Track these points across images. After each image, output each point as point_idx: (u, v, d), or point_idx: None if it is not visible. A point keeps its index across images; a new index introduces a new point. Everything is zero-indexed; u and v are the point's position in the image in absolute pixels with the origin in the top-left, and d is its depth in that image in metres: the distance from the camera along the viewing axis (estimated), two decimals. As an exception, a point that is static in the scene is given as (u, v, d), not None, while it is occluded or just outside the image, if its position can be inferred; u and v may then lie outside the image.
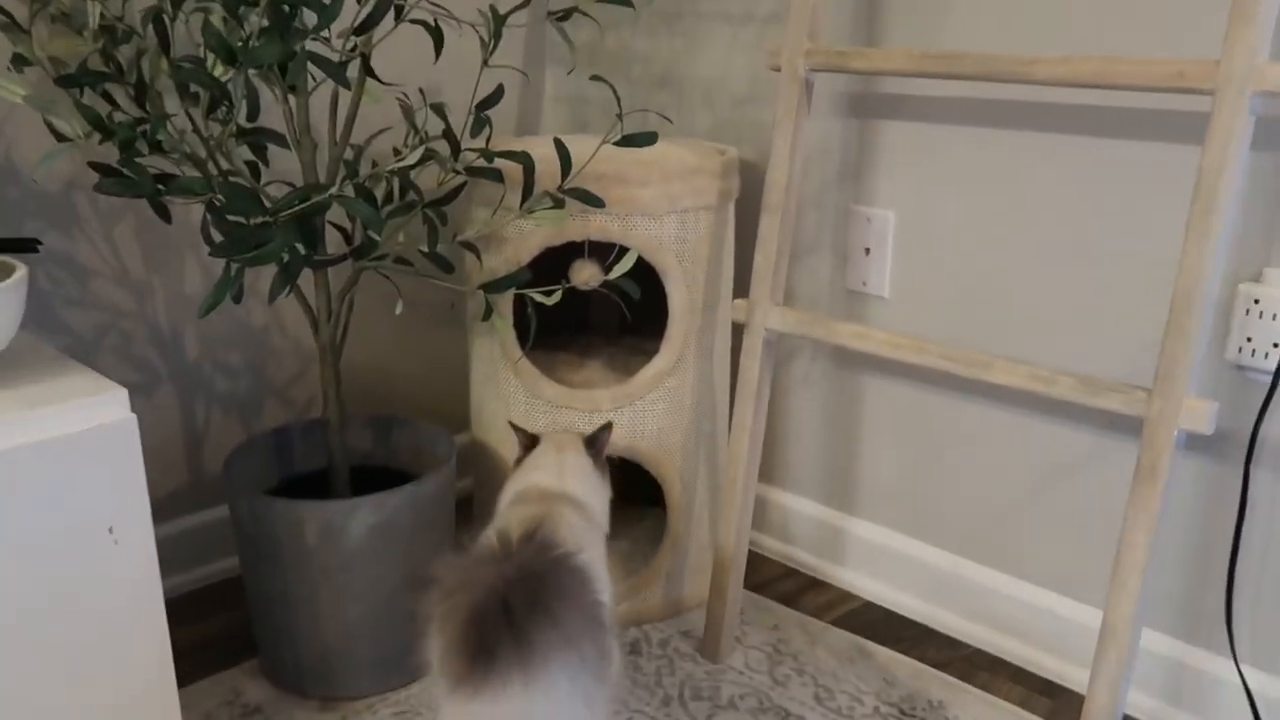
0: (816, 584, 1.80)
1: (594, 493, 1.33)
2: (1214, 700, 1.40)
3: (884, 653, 1.60)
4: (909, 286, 1.62)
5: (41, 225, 1.52)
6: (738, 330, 1.69)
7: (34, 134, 1.48)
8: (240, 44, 1.13)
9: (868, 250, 1.65)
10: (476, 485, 1.76)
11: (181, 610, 1.68)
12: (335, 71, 1.17)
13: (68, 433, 1.06)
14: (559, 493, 1.28)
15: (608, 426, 1.39)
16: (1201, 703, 1.41)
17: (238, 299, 1.27)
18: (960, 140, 1.51)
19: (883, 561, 1.74)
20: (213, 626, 1.65)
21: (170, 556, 1.73)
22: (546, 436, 1.38)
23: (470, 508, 1.81)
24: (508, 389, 1.59)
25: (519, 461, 1.38)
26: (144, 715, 1.18)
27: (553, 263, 1.53)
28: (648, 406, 1.58)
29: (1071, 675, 1.53)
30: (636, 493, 1.75)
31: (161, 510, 1.73)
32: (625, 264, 1.42)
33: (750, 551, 1.86)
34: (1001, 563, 1.60)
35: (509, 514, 1.26)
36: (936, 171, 1.55)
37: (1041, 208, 1.46)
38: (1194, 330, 1.13)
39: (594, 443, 1.38)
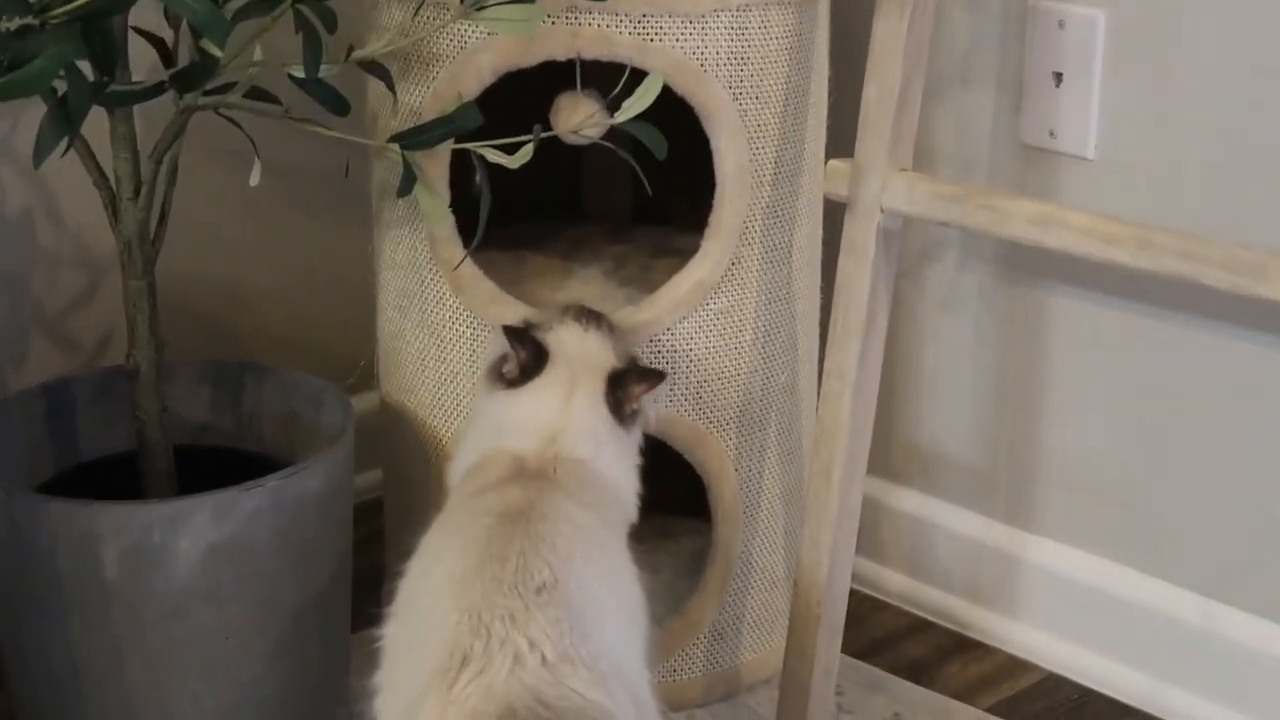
0: (968, 646, 1.81)
1: (615, 459, 1.41)
2: None
3: (1081, 760, 1.62)
4: (1128, 141, 1.62)
5: None
6: (835, 216, 1.69)
7: None
8: None
9: (1059, 77, 1.65)
10: (387, 481, 1.77)
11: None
12: None
13: None
14: (554, 458, 1.36)
15: (656, 375, 1.46)
16: None
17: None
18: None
19: (1080, 609, 1.75)
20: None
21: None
22: (557, 355, 1.43)
23: (378, 518, 1.82)
24: (440, 315, 1.60)
25: (508, 383, 1.43)
26: None
27: (519, 103, 1.52)
28: (681, 343, 1.58)
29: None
30: (664, 492, 1.75)
31: None
32: (644, 97, 1.41)
33: (854, 593, 1.86)
34: (1282, 609, 1.61)
35: (463, 523, 1.31)
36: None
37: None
38: None
39: (620, 383, 1.42)
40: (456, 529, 1.32)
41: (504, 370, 1.45)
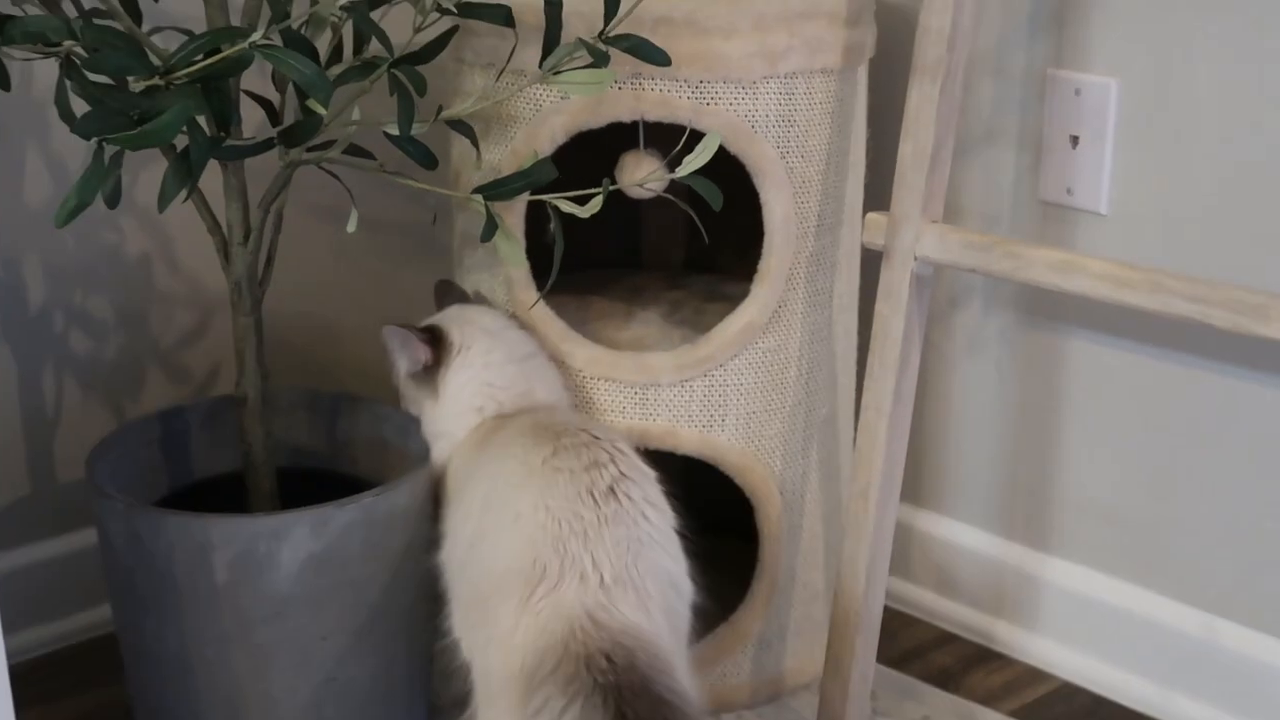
0: (990, 657, 1.80)
1: (554, 376, 1.58)
2: None
3: (1095, 761, 1.60)
4: (1139, 197, 1.61)
5: None
6: (871, 264, 1.69)
7: None
8: None
9: (1075, 140, 1.64)
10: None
11: (26, 685, 1.71)
12: None
13: None
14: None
15: (442, 284, 1.67)
16: None
17: (112, 202, 1.28)
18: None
19: (1093, 623, 1.74)
20: (70, 708, 1.68)
21: (9, 606, 1.76)
22: (451, 327, 1.56)
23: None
24: (517, 350, 1.60)
25: (434, 374, 1.55)
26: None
27: (588, 159, 1.53)
28: (731, 379, 1.58)
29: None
30: (714, 514, 1.75)
31: (-7, 534, 1.76)
32: (701, 155, 1.41)
33: (888, 607, 1.86)
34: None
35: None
36: (1189, 15, 1.54)
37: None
38: None
39: (475, 300, 1.63)
40: (512, 448, 1.41)
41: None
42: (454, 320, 1.57)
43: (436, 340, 1.55)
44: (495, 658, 1.28)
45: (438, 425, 1.55)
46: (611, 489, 1.32)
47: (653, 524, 1.34)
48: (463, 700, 1.36)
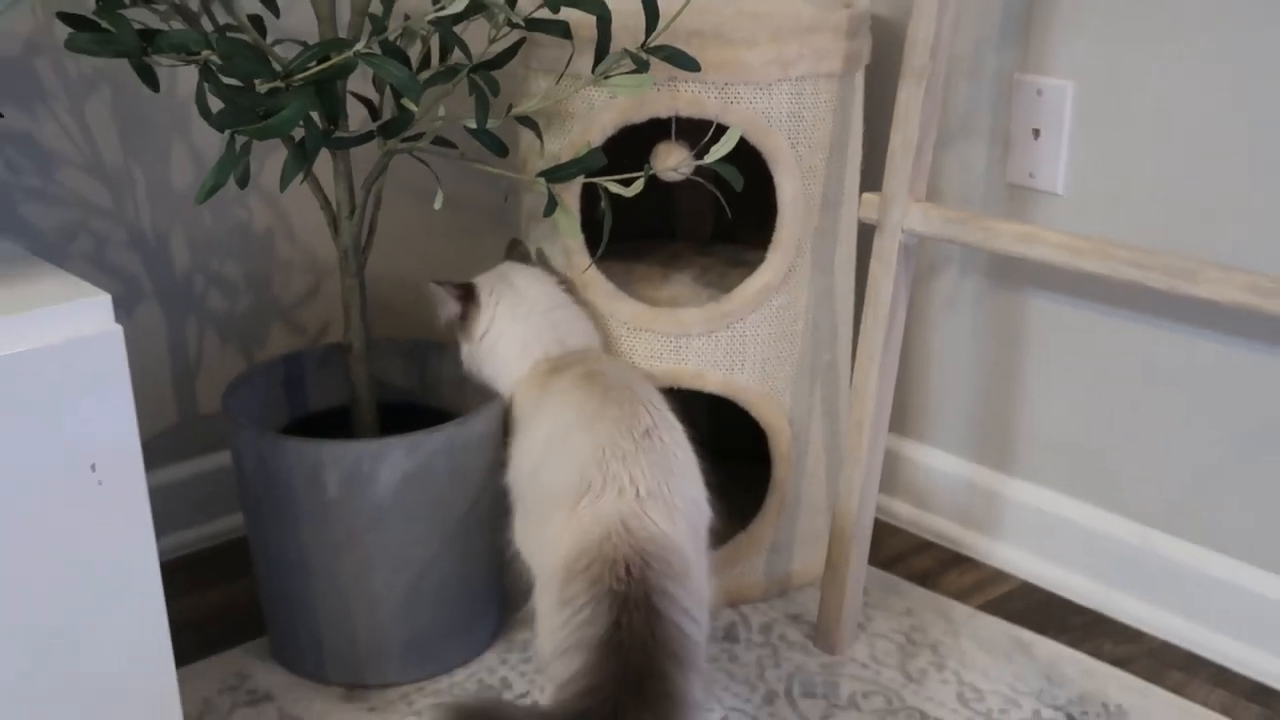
0: (961, 560, 1.80)
1: (582, 324, 1.57)
2: None
3: (1047, 645, 1.60)
4: (1090, 180, 1.60)
5: (-2, 99, 1.56)
6: (866, 235, 1.68)
7: (-12, -17, 1.51)
8: None
9: (1037, 133, 1.63)
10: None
11: (174, 578, 1.72)
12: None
13: (38, 346, 1.09)
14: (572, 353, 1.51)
15: (514, 242, 1.65)
16: None
17: (243, 183, 1.29)
18: (1163, -15, 1.49)
19: (1047, 533, 1.73)
20: (212, 598, 1.70)
21: (159, 513, 1.77)
22: (483, 281, 1.57)
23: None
24: (573, 307, 1.60)
25: (465, 319, 1.55)
26: (135, 694, 1.23)
27: (631, 148, 1.53)
28: (750, 330, 1.58)
29: (1293, 678, 1.52)
30: (734, 442, 1.76)
31: (147, 456, 1.76)
32: (725, 145, 1.41)
33: (878, 520, 1.85)
34: (1203, 535, 1.59)
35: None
36: (1132, 27, 1.52)
37: (1275, 77, 1.42)
38: None
39: (522, 259, 1.62)
40: (569, 395, 1.41)
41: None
42: (490, 278, 1.57)
43: (467, 295, 1.55)
44: (547, 555, 1.29)
45: (481, 366, 1.55)
46: (648, 431, 1.32)
47: (681, 461, 1.35)
48: (527, 595, 1.37)
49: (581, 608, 1.20)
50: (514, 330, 1.53)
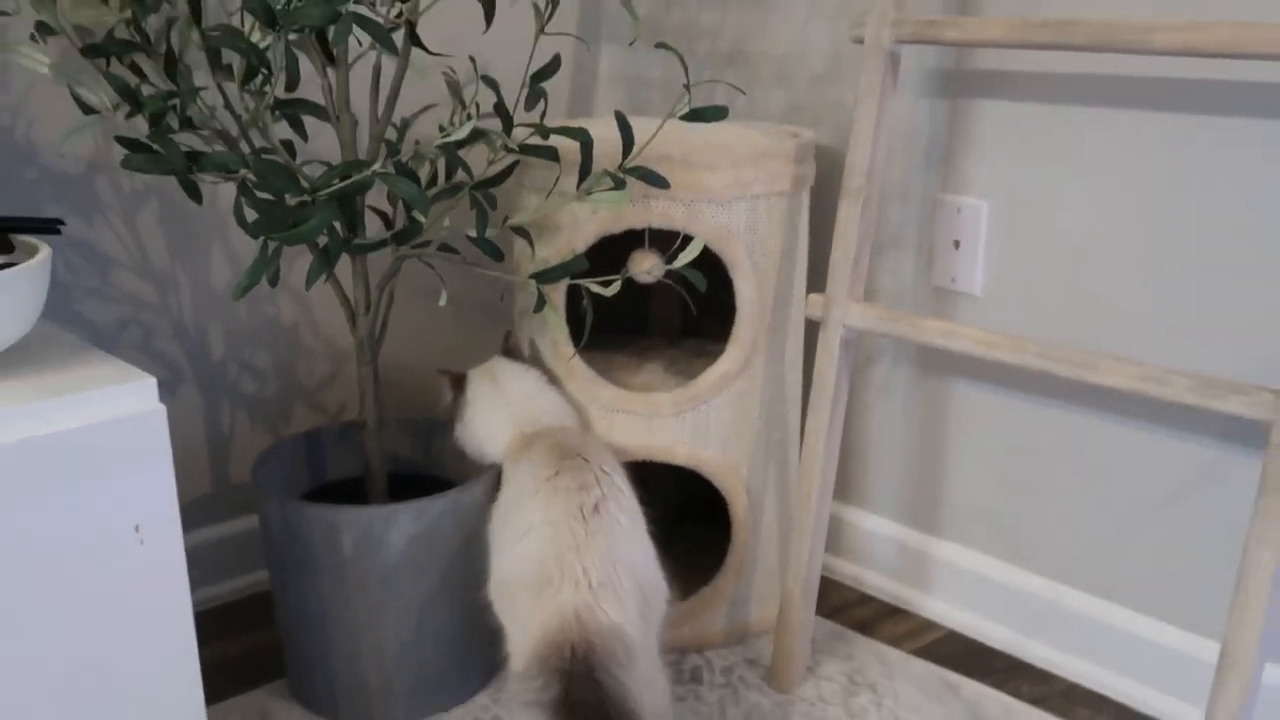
0: (896, 612, 1.79)
1: (555, 406, 1.55)
2: (1348, 746, 1.37)
3: (971, 686, 1.58)
4: (1003, 284, 1.61)
5: (60, 209, 1.56)
6: (811, 331, 1.69)
7: (56, 111, 1.52)
8: (281, 5, 1.15)
9: (957, 244, 1.64)
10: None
11: (206, 628, 1.70)
12: (382, 35, 1.19)
13: (92, 422, 1.09)
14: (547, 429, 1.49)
15: (508, 334, 1.63)
16: (1334, 749, 1.38)
17: (273, 282, 1.29)
18: (1065, 121, 1.51)
19: (970, 588, 1.72)
20: (238, 644, 1.67)
21: (194, 569, 1.75)
22: (473, 373, 1.57)
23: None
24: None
25: (456, 404, 1.55)
26: (168, 731, 1.20)
27: (610, 255, 1.54)
28: (713, 412, 1.58)
29: (1183, 714, 1.51)
30: (698, 507, 1.75)
31: (185, 519, 1.75)
32: (691, 253, 1.42)
33: (824, 576, 1.85)
34: (1105, 590, 1.58)
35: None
36: (1036, 157, 1.54)
37: (1157, 196, 1.44)
38: (1329, 324, 1.11)
39: (511, 352, 1.59)
40: (533, 463, 1.39)
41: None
42: (478, 372, 1.57)
43: (458, 384, 1.56)
44: (515, 629, 1.29)
45: (466, 442, 1.55)
46: (596, 506, 1.31)
47: (626, 531, 1.33)
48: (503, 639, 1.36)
49: (537, 677, 1.20)
50: (490, 413, 1.53)
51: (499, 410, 1.52)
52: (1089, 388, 1.53)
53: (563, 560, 1.26)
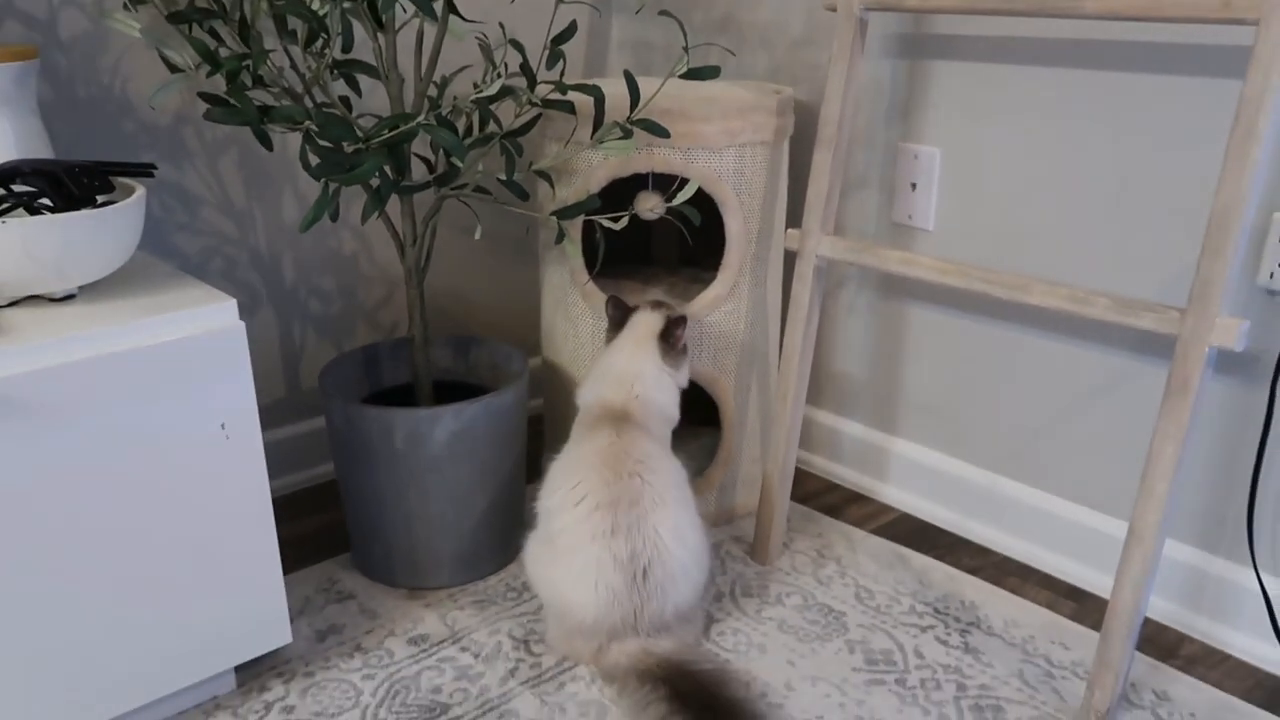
0: (859, 498, 1.80)
1: (662, 388, 1.40)
2: (1233, 605, 1.39)
3: (920, 559, 1.60)
4: (952, 220, 1.60)
5: (154, 156, 1.55)
6: (790, 260, 1.68)
7: (147, 70, 1.50)
8: (337, -21, 1.13)
9: (914, 185, 1.63)
10: (546, 404, 1.77)
11: (281, 510, 1.73)
12: (424, 4, 1.17)
13: (185, 336, 1.09)
14: (625, 405, 1.36)
15: (681, 321, 1.41)
16: (1221, 608, 1.40)
17: (334, 217, 1.28)
18: (1007, 79, 1.48)
19: (921, 477, 1.74)
20: (310, 524, 1.69)
21: (271, 462, 1.77)
22: (633, 320, 1.42)
23: (540, 424, 1.83)
24: (575, 312, 1.60)
25: (610, 333, 1.45)
26: (254, 593, 1.23)
27: (619, 195, 1.53)
28: (707, 328, 1.58)
29: (1097, 581, 1.53)
30: (693, 411, 1.76)
31: (263, 420, 1.76)
32: (687, 192, 1.41)
33: (797, 468, 1.86)
34: (1034, 478, 1.60)
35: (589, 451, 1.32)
36: (982, 109, 1.52)
37: (1084, 142, 1.43)
38: (1229, 251, 1.10)
39: (667, 337, 1.41)
40: (590, 470, 1.31)
41: (607, 325, 1.46)
42: (639, 318, 1.44)
43: (617, 316, 1.45)
44: (555, 618, 1.31)
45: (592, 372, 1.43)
46: (632, 472, 1.26)
47: (665, 524, 1.27)
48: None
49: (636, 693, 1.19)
50: (609, 362, 1.41)
51: (603, 370, 1.41)
52: (1023, 307, 1.52)
53: (614, 598, 1.23)
